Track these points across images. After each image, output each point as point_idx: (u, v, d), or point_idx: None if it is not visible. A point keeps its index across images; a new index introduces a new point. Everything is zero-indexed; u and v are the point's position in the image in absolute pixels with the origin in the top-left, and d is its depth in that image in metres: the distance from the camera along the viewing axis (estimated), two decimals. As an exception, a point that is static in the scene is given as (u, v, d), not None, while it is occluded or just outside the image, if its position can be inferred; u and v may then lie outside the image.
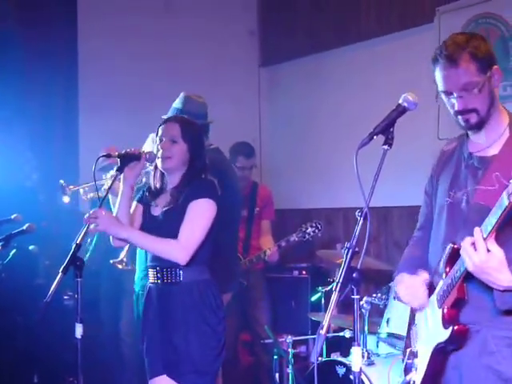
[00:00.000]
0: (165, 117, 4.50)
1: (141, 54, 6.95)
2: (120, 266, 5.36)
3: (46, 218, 6.22)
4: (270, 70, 7.55)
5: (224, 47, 7.29)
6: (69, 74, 6.89)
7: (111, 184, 3.45)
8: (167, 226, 3.42)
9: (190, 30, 7.09)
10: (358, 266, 2.40)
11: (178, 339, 3.41)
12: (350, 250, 2.41)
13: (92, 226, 3.30)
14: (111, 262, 5.08)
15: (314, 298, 5.30)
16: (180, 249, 3.36)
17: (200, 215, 3.40)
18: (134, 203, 3.65)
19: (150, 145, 4.56)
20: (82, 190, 5.18)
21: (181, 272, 3.41)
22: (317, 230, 5.50)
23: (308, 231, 5.49)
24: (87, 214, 3.30)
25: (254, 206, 5.84)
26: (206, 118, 4.55)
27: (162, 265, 3.45)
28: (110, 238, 3.62)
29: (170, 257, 3.38)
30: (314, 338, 3.33)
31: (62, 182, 4.99)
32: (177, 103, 4.58)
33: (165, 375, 3.46)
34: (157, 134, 3.64)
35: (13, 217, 4.63)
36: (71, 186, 5.09)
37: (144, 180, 3.98)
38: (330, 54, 6.91)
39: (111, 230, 3.38)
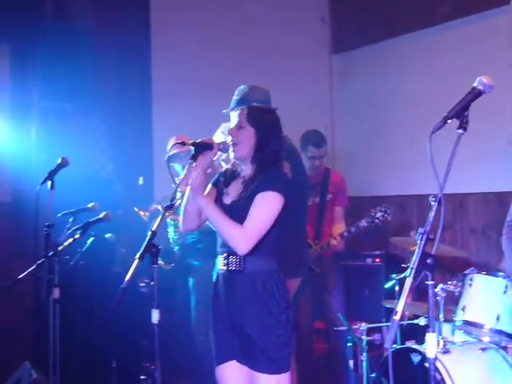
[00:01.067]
0: (225, 111, 4.55)
1: (212, 42, 6.99)
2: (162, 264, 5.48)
3: (122, 207, 6.34)
4: (341, 57, 7.50)
5: (295, 34, 7.28)
6: (142, 62, 6.97)
7: (186, 172, 3.47)
8: (235, 217, 3.41)
9: (262, 18, 7.10)
10: (433, 252, 2.37)
11: (244, 326, 3.42)
12: (425, 236, 2.38)
13: (184, 201, 3.39)
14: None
15: (387, 286, 5.25)
16: (242, 239, 3.35)
17: (266, 208, 3.39)
18: (210, 185, 3.67)
19: (221, 134, 4.60)
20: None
21: (245, 260, 3.42)
22: (386, 215, 5.42)
23: (377, 215, 5.43)
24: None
25: (326, 192, 5.81)
26: (270, 105, 4.54)
27: (229, 251, 3.46)
28: (180, 221, 3.64)
29: (231, 242, 3.39)
30: (388, 326, 3.31)
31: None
32: (238, 94, 4.59)
33: (234, 361, 3.50)
34: None
35: (90, 205, 4.71)
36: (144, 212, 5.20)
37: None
38: (403, 39, 6.83)
39: (195, 190, 3.41)
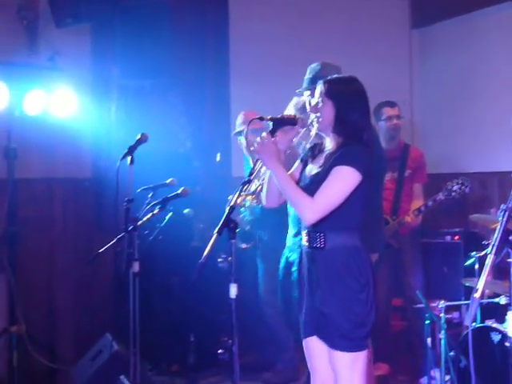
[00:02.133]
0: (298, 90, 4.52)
1: (291, 20, 6.96)
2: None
3: (200, 183, 6.40)
4: (421, 32, 7.36)
5: (374, 9, 7.19)
6: (220, 39, 7.00)
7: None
8: (314, 189, 3.39)
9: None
10: (515, 229, 2.32)
11: (324, 303, 3.41)
12: (507, 213, 2.33)
13: (267, 176, 3.41)
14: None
15: (467, 264, 5.16)
16: (310, 209, 3.32)
17: (338, 182, 3.34)
18: (298, 161, 3.67)
19: (292, 108, 4.59)
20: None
21: (325, 237, 3.40)
22: (463, 187, 5.31)
23: (454, 188, 5.33)
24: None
25: (405, 168, 5.73)
26: None
27: (310, 229, 3.45)
28: (262, 198, 3.66)
29: (299, 212, 3.39)
30: (467, 304, 3.26)
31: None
32: (310, 72, 4.56)
33: (315, 336, 3.50)
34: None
35: (168, 181, 4.77)
36: None
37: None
38: (485, 12, 6.65)
39: (264, 156, 3.38)
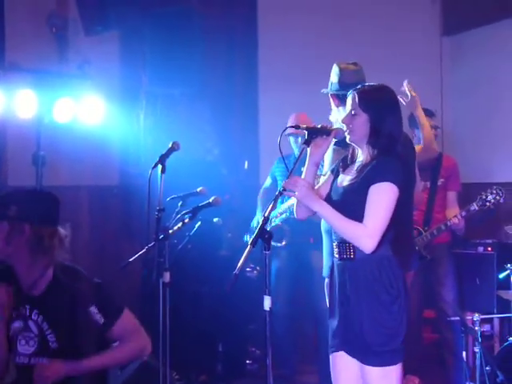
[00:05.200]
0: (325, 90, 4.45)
1: (320, 27, 6.92)
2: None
3: (228, 191, 6.36)
4: (452, 39, 7.26)
5: (405, 15, 7.11)
6: (249, 47, 6.99)
7: (299, 156, 3.41)
8: (345, 201, 3.34)
9: (370, 1, 6.98)
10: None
11: (354, 318, 3.34)
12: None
13: (286, 192, 3.30)
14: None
15: (502, 276, 5.06)
16: (367, 237, 3.25)
17: (383, 202, 3.27)
18: (328, 173, 3.61)
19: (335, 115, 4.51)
20: None
21: (354, 247, 3.33)
22: (498, 197, 5.22)
23: (488, 198, 5.24)
24: (285, 181, 3.28)
25: (437, 176, 5.63)
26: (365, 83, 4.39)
27: (339, 240, 3.39)
28: (294, 209, 3.60)
29: (355, 242, 3.30)
30: (501, 317, 3.17)
31: None
32: (332, 77, 4.49)
33: (343, 352, 3.43)
34: None
35: (198, 190, 4.70)
36: None
37: None
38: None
39: (307, 199, 3.32)
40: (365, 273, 3.33)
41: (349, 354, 3.40)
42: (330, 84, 4.44)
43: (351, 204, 3.32)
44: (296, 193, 3.30)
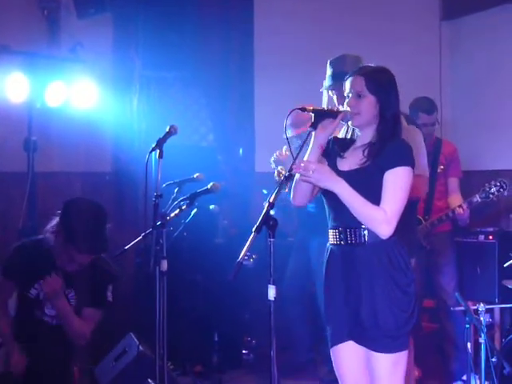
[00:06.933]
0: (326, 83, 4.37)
1: (315, 14, 6.85)
2: None
3: (223, 178, 6.24)
4: (452, 24, 7.15)
5: (402, 1, 7.00)
6: (244, 33, 6.90)
7: (305, 139, 3.30)
8: (355, 185, 3.22)
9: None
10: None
11: (366, 303, 3.25)
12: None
13: (297, 176, 3.22)
14: None
15: (506, 264, 4.96)
16: (386, 223, 3.19)
17: (401, 186, 3.22)
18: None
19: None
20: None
21: (366, 232, 3.25)
22: (502, 190, 5.15)
23: (492, 191, 5.16)
24: (293, 165, 3.14)
25: (437, 163, 5.53)
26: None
27: (346, 225, 3.29)
28: (291, 196, 3.48)
29: (373, 226, 3.22)
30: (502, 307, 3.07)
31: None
32: (333, 67, 4.42)
33: (350, 341, 3.33)
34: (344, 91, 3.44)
35: (195, 176, 4.60)
36: None
37: None
38: (517, 5, 6.46)
39: (326, 181, 3.21)
40: (379, 257, 3.25)
41: (358, 342, 3.31)
42: (328, 77, 4.40)
43: (363, 188, 3.21)
44: (311, 177, 3.18)
